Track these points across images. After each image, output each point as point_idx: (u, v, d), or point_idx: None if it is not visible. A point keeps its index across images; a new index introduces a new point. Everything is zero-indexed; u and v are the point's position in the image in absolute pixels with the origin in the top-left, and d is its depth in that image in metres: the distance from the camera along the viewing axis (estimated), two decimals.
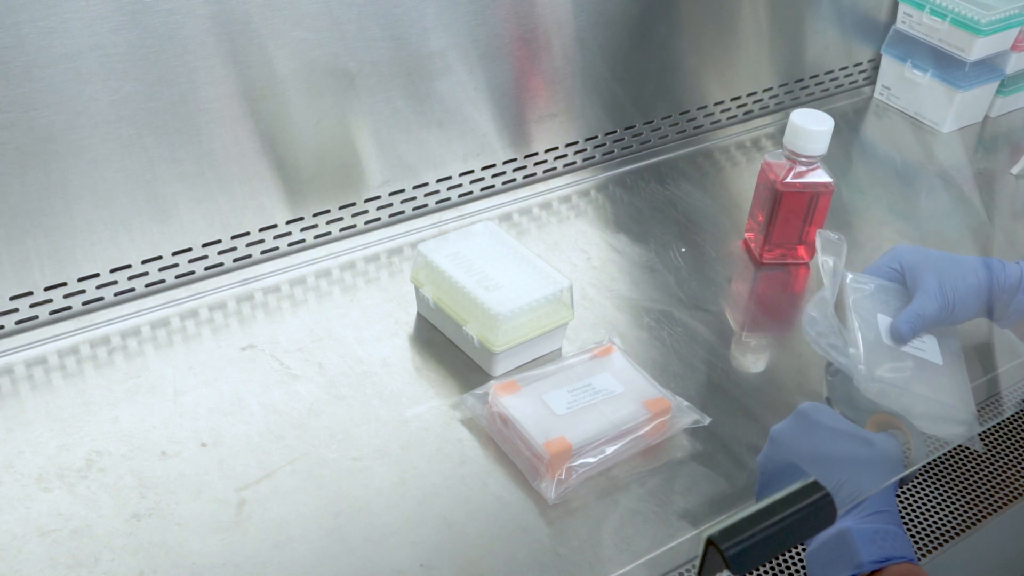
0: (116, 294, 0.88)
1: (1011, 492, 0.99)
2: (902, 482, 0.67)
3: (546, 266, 0.85)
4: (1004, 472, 1.02)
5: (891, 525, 0.61)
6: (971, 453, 1.04)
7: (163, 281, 0.90)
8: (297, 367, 0.84)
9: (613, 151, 1.13)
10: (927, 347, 0.83)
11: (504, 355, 0.82)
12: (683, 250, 1.00)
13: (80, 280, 0.86)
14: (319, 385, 0.82)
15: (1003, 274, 0.82)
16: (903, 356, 0.81)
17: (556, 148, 1.08)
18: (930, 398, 0.80)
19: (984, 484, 1.00)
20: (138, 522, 0.70)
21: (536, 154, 1.07)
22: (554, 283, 0.84)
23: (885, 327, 0.82)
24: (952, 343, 0.84)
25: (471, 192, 1.05)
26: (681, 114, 1.16)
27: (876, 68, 1.30)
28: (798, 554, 0.79)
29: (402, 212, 1.01)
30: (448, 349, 0.86)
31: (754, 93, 1.21)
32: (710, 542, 0.48)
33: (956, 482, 1.00)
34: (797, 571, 0.82)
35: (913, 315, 0.80)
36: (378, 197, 0.99)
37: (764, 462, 0.70)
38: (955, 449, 1.02)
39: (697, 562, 0.48)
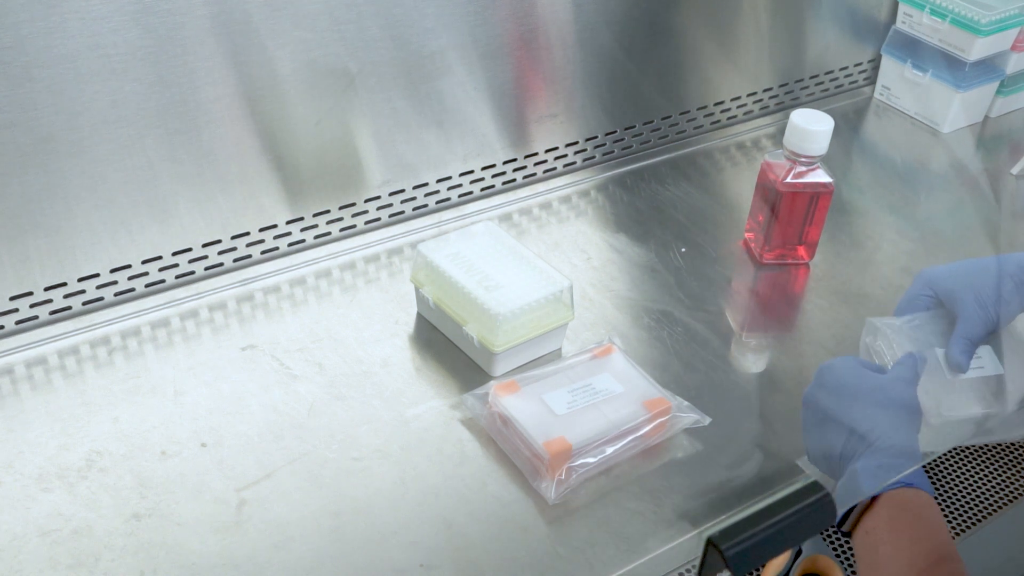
0: (116, 294, 0.88)
1: (1011, 492, 0.99)
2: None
3: (546, 266, 0.85)
4: (1004, 472, 1.02)
5: (899, 459, 0.65)
6: (971, 453, 1.04)
7: (163, 281, 0.90)
8: (297, 367, 0.84)
9: (613, 151, 1.13)
10: (985, 361, 0.81)
11: (504, 355, 0.82)
12: (683, 250, 1.00)
13: (80, 280, 0.86)
14: (319, 385, 0.82)
15: None
16: (968, 386, 0.80)
17: (556, 148, 1.08)
18: (1006, 414, 0.79)
19: (984, 484, 1.00)
20: (138, 522, 0.70)
21: (536, 154, 1.07)
22: (554, 283, 0.84)
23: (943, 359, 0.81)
24: (1005, 338, 0.83)
25: (471, 192, 1.05)
26: (681, 114, 1.16)
27: (876, 68, 1.30)
28: None
29: (402, 212, 1.01)
30: (448, 349, 0.86)
31: (754, 93, 1.21)
32: (710, 542, 0.48)
33: (956, 482, 1.00)
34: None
35: (962, 341, 0.79)
36: (378, 197, 0.99)
37: (806, 424, 0.74)
38: (955, 449, 1.02)
39: (697, 562, 0.48)
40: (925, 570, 0.62)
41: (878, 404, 0.69)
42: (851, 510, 0.67)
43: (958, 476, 1.01)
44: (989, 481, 1.00)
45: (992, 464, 1.03)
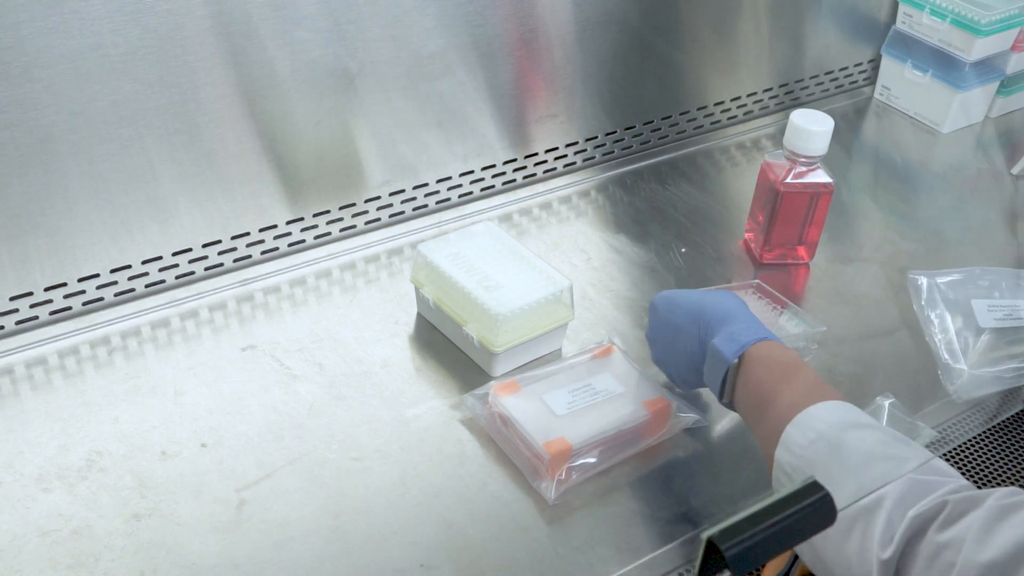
0: (116, 294, 0.88)
1: None
2: None
3: (546, 266, 0.85)
4: (1004, 472, 1.02)
5: (741, 324, 0.72)
6: (971, 453, 1.04)
7: (163, 281, 0.90)
8: (297, 367, 0.84)
9: (613, 151, 1.13)
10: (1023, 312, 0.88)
11: (504, 355, 0.82)
12: (683, 250, 1.00)
13: (80, 280, 0.86)
14: (319, 385, 0.82)
15: None
16: (1002, 337, 0.86)
17: (556, 148, 1.08)
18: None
19: (984, 484, 1.00)
20: (138, 522, 0.70)
21: (536, 154, 1.07)
22: (554, 283, 0.84)
23: (981, 310, 0.88)
24: None
25: (471, 192, 1.05)
26: (681, 114, 1.16)
27: (876, 68, 1.30)
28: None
29: (402, 212, 1.01)
30: (448, 349, 0.86)
31: (754, 93, 1.21)
32: (710, 542, 0.48)
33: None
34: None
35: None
36: (378, 197, 0.99)
37: (657, 360, 0.81)
38: (955, 449, 1.02)
39: (697, 562, 0.48)
40: (810, 387, 0.67)
41: (711, 301, 0.76)
42: (724, 386, 0.71)
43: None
44: (989, 482, 1.00)
45: (993, 464, 1.03)
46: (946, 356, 0.86)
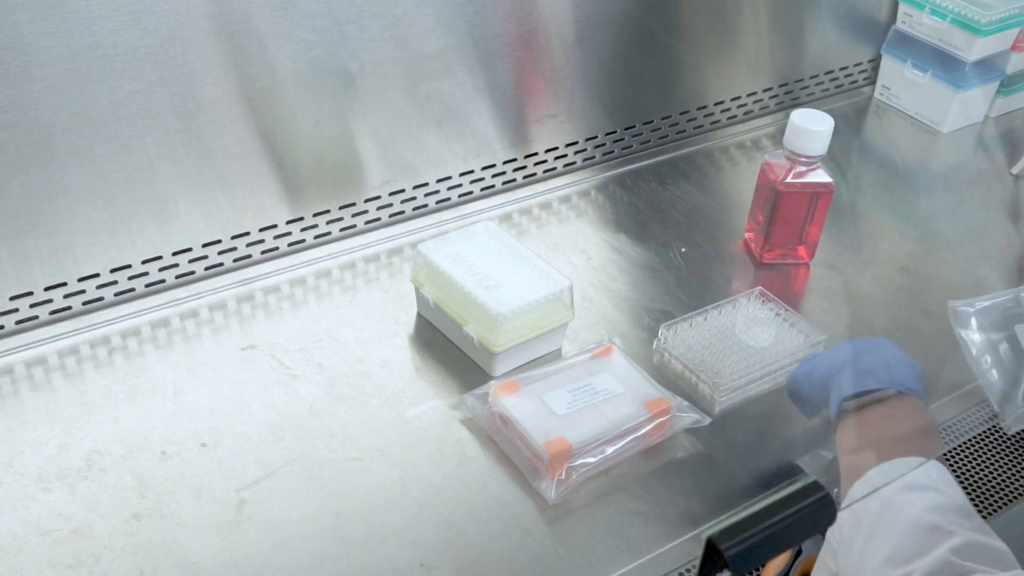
0: (116, 294, 0.88)
1: (1011, 492, 0.99)
2: None
3: (546, 266, 0.85)
4: (1005, 472, 1.02)
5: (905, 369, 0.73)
6: (972, 453, 1.04)
7: (163, 281, 0.90)
8: (297, 367, 0.84)
9: (613, 151, 1.13)
10: None
11: (504, 355, 0.82)
12: (683, 250, 1.00)
13: (80, 280, 0.86)
14: (319, 385, 0.82)
15: None
16: None
17: (556, 148, 1.08)
18: None
19: (985, 484, 1.00)
20: (138, 522, 0.70)
21: (536, 154, 1.07)
22: (554, 283, 0.84)
23: None
24: None
25: (471, 192, 1.05)
26: (681, 114, 1.16)
27: (876, 68, 1.30)
28: None
29: (402, 212, 1.01)
30: (448, 349, 0.86)
31: (754, 93, 1.21)
32: (710, 542, 0.48)
33: (958, 482, 1.00)
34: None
35: None
36: (378, 197, 0.99)
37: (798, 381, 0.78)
38: (958, 446, 1.02)
39: (697, 562, 0.48)
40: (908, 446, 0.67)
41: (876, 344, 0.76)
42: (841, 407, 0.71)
43: (959, 476, 1.01)
44: (989, 482, 1.00)
45: (994, 464, 1.02)
46: (995, 389, 0.83)
